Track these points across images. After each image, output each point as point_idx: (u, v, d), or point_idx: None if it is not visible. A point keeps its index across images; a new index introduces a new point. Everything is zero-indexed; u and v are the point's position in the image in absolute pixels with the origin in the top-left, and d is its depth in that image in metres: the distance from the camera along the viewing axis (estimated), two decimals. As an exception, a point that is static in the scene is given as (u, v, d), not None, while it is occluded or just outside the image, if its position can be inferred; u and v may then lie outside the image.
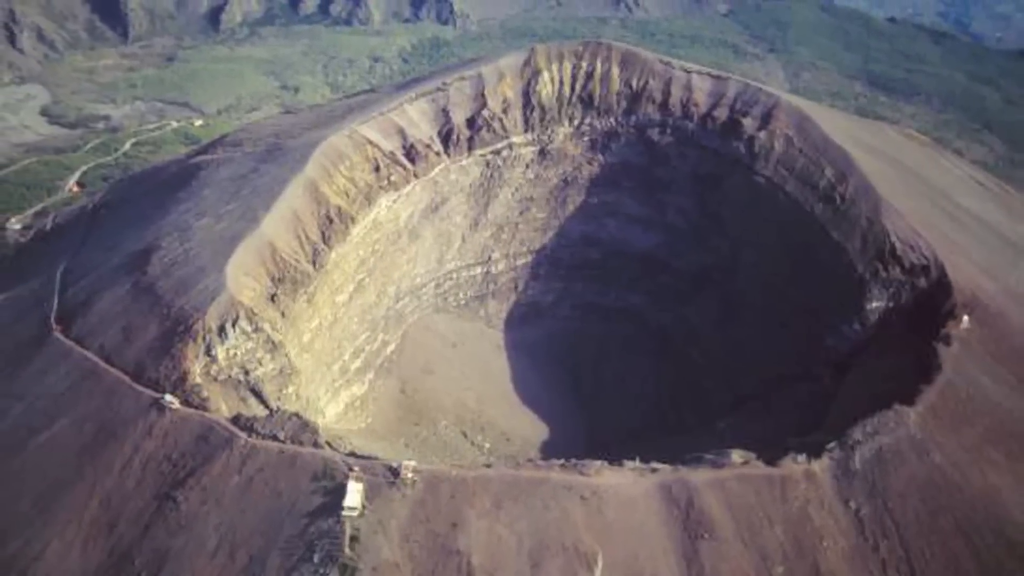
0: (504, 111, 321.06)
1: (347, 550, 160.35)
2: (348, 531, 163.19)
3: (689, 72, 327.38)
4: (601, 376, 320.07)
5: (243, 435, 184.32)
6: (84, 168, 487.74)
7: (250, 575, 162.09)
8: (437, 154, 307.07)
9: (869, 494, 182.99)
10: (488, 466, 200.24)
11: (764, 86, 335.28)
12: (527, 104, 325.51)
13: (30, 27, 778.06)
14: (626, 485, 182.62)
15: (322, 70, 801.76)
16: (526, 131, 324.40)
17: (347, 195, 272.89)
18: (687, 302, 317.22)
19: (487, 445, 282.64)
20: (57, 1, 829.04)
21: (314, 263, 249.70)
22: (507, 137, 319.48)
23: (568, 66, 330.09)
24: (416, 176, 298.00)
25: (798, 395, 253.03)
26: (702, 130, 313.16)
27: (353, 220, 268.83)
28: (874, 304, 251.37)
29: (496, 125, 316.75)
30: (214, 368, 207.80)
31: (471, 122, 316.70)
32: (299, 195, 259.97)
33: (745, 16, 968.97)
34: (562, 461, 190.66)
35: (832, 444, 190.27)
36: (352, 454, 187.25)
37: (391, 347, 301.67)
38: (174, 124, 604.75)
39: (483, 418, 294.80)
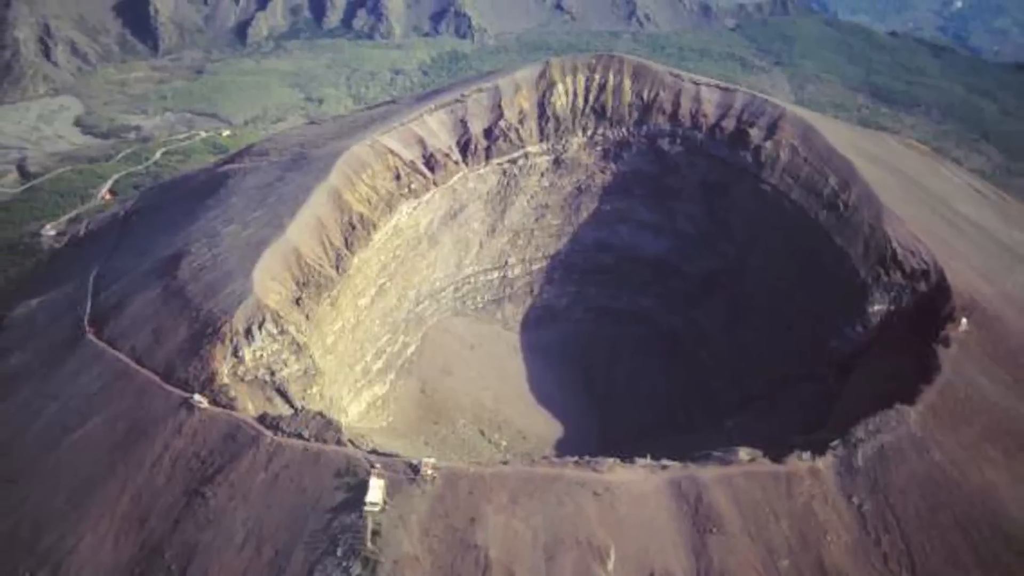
0: (520, 122, 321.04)
1: (369, 544, 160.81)
2: (370, 526, 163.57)
3: (698, 84, 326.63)
4: (613, 376, 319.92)
5: (269, 433, 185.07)
6: (116, 176, 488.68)
7: (276, 568, 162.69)
8: (456, 163, 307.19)
9: (871, 490, 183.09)
10: (505, 463, 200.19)
11: (770, 98, 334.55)
12: (542, 115, 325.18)
13: (64, 41, 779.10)
14: (637, 481, 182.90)
15: (345, 82, 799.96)
16: (541, 141, 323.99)
17: (369, 202, 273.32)
18: (696, 305, 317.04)
19: (504, 443, 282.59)
20: (90, 16, 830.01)
21: (337, 268, 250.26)
22: (523, 147, 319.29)
23: (582, 78, 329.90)
24: (435, 184, 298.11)
25: (803, 395, 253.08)
26: (710, 140, 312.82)
27: (375, 226, 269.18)
28: (876, 307, 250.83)
29: (512, 135, 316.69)
30: (241, 369, 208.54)
31: (488, 132, 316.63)
32: (323, 202, 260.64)
33: (752, 30, 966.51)
34: (576, 458, 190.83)
35: (836, 442, 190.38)
36: (374, 452, 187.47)
37: (411, 349, 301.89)
38: (203, 134, 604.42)
39: (500, 417, 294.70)
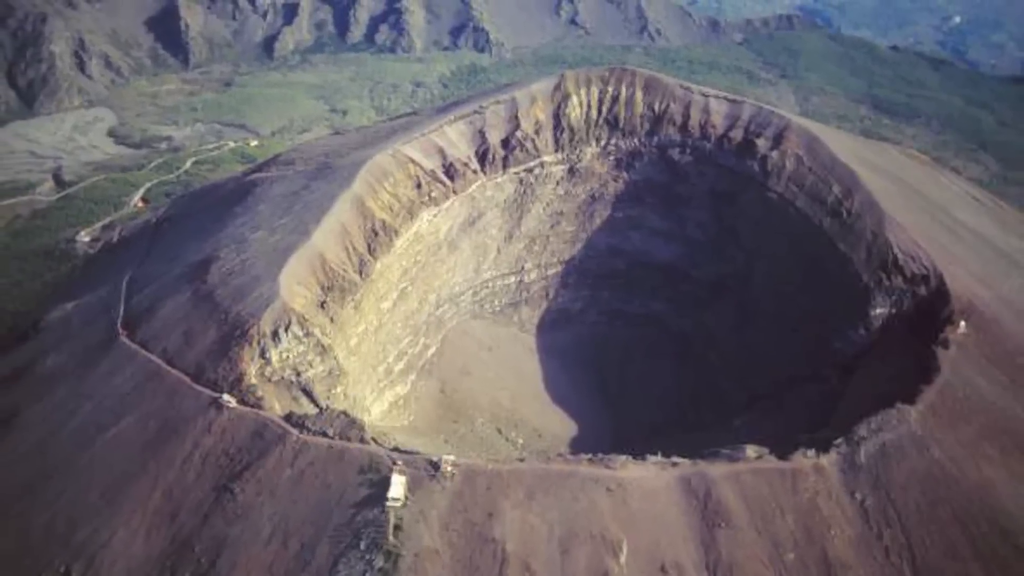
0: (536, 132, 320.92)
1: (391, 538, 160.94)
2: (392, 520, 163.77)
3: (707, 96, 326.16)
4: (626, 377, 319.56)
5: (295, 432, 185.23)
6: (148, 185, 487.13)
7: (301, 561, 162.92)
8: (474, 172, 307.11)
9: (873, 486, 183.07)
10: (521, 460, 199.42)
11: (776, 109, 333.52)
12: (557, 126, 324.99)
13: (98, 55, 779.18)
14: (649, 478, 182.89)
15: (368, 94, 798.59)
16: (556, 151, 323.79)
17: (391, 210, 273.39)
18: (705, 309, 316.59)
19: (520, 441, 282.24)
20: (123, 31, 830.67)
21: (361, 273, 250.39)
22: (539, 156, 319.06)
23: (595, 90, 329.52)
24: (455, 192, 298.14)
25: (808, 395, 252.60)
26: (719, 150, 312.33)
27: (397, 233, 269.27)
28: (878, 311, 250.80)
29: (529, 145, 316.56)
30: (268, 370, 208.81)
31: (505, 142, 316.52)
32: (347, 210, 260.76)
33: (758, 44, 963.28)
34: (590, 456, 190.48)
35: (839, 440, 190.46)
36: (396, 449, 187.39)
37: (431, 350, 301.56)
38: (231, 144, 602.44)
39: (516, 416, 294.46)
